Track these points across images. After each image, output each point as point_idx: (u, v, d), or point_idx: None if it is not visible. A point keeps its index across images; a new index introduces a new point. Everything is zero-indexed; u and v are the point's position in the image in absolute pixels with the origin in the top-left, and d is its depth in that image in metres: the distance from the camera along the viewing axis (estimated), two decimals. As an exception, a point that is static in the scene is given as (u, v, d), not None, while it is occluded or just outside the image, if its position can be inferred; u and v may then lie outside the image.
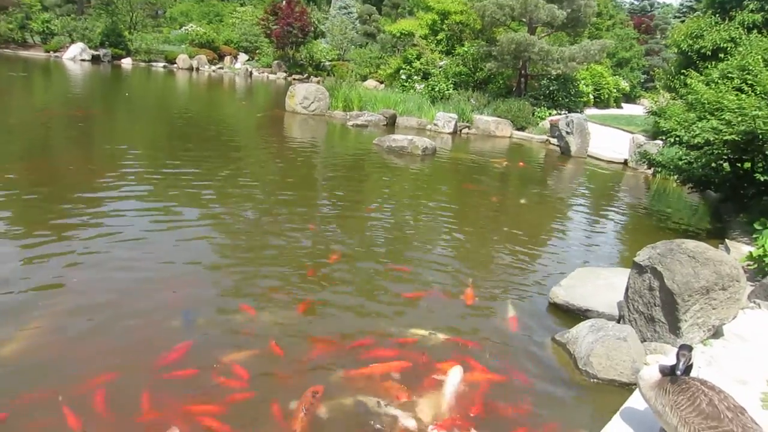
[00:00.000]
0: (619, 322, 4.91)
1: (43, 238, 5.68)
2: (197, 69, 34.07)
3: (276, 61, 36.08)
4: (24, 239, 5.64)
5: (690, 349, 2.91)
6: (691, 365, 2.92)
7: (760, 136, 7.63)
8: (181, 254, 5.74)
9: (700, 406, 2.77)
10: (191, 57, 34.29)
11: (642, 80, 38.35)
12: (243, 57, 37.99)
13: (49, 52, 30.89)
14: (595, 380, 4.21)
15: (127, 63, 32.14)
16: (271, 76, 35.32)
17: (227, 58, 36.92)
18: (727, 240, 7.93)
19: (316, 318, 4.79)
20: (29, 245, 5.48)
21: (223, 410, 3.42)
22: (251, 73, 35.50)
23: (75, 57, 29.93)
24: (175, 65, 33.54)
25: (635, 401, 3.45)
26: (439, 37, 25.47)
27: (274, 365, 3.99)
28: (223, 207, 7.58)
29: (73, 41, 31.17)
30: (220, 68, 35.63)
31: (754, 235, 7.24)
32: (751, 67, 9.44)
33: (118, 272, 5.11)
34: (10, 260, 5.10)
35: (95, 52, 31.03)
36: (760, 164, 8.75)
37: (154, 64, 33.16)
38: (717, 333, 4.63)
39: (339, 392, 3.72)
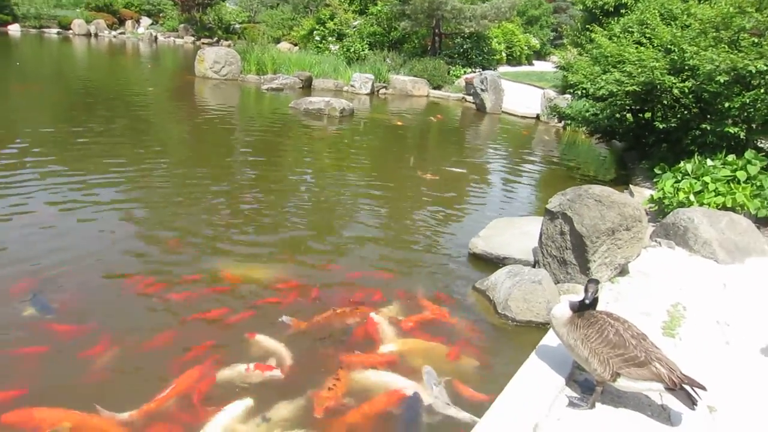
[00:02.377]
0: (534, 266, 5.13)
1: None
2: (96, 35, 31.81)
3: (182, 25, 34.27)
4: None
5: (597, 282, 3.09)
6: (597, 298, 3.10)
7: (658, 86, 8.07)
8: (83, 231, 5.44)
9: (608, 336, 2.96)
10: (88, 22, 31.92)
11: (551, 37, 39.40)
12: (146, 21, 35.82)
13: None
14: (514, 323, 4.40)
15: (15, 30, 29.49)
16: (178, 41, 33.58)
17: (128, 23, 34.67)
18: (631, 185, 8.42)
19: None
20: None
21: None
22: (156, 38, 33.56)
23: (-47, 24, 27.19)
24: (71, 31, 31.14)
25: (550, 339, 3.63)
26: (351, -4, 25.00)
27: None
28: (129, 184, 7.06)
29: (-52, 7, 28.26)
30: (121, 33, 33.43)
31: (655, 180, 7.72)
32: (649, 22, 9.91)
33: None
34: None
35: (-24, 19, 28.30)
36: (658, 114, 9.29)
37: (46, 30, 30.62)
38: (623, 271, 4.93)
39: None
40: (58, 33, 30.64)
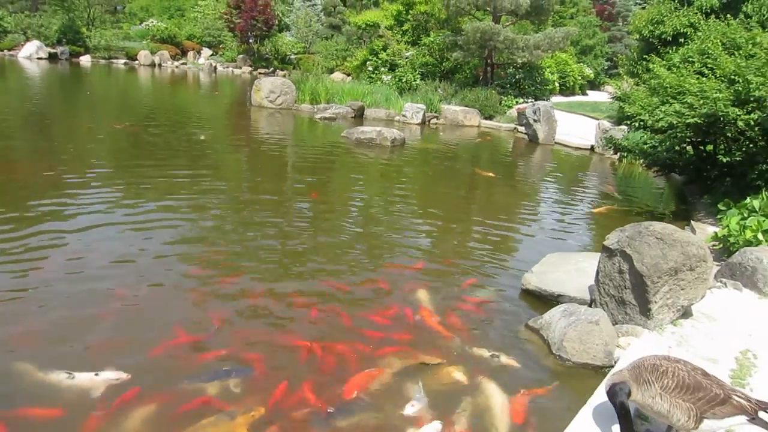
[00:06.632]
0: (590, 306, 4.94)
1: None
2: (159, 65, 33.39)
3: (241, 56, 35.59)
4: None
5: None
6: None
7: (722, 119, 7.75)
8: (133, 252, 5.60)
9: (684, 381, 2.76)
10: (153, 53, 33.58)
11: (606, 67, 38.81)
12: (206, 52, 37.39)
13: (2, 50, 29.86)
14: (569, 364, 4.22)
15: (86, 60, 31.29)
16: (236, 71, 34.83)
17: (190, 54, 36.28)
18: (692, 221, 8.07)
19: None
20: None
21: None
22: (215, 68, 34.96)
23: (31, 55, 29.00)
24: (137, 62, 32.80)
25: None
26: (404, 28, 25.36)
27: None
28: (187, 212, 7.25)
29: (28, 39, 30.17)
30: (183, 64, 34.96)
31: (718, 216, 7.38)
32: (710, 51, 9.60)
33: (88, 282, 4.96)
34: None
35: (52, 50, 30.13)
36: (721, 146, 8.92)
37: (114, 61, 32.36)
38: (686, 313, 4.69)
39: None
40: (125, 63, 32.30)
